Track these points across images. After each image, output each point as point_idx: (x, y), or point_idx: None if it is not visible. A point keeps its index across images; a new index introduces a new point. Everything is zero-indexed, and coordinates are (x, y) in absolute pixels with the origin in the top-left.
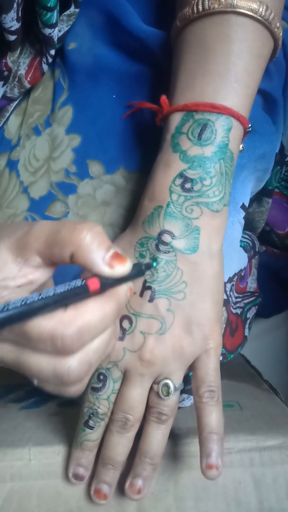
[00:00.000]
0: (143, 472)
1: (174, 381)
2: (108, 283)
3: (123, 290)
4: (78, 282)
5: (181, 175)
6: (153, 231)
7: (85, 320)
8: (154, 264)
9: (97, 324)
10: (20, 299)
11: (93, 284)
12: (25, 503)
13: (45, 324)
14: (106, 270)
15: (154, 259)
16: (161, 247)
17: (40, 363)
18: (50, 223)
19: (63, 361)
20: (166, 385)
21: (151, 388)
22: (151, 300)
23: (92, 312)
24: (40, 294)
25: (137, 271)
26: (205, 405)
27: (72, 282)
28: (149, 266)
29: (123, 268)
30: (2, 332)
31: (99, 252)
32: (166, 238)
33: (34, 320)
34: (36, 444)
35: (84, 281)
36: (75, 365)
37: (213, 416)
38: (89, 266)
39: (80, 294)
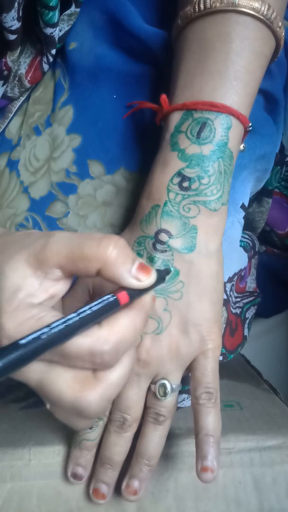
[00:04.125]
0: (140, 473)
1: (171, 382)
2: (134, 294)
3: (148, 299)
4: (110, 298)
5: (179, 173)
6: (150, 230)
7: (120, 336)
8: (172, 269)
9: (130, 337)
10: (60, 319)
11: (123, 298)
12: (25, 503)
13: (84, 342)
14: (134, 283)
15: (173, 268)
16: (158, 246)
17: (63, 390)
18: (69, 235)
19: (85, 393)
20: (163, 385)
21: (149, 388)
22: None
23: (125, 327)
24: (78, 313)
25: (159, 278)
26: (202, 406)
27: (103, 297)
28: (168, 272)
29: (149, 279)
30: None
31: (126, 266)
32: (163, 237)
33: (72, 338)
34: (36, 444)
35: (115, 296)
36: (96, 400)
37: (210, 418)
38: (117, 280)
39: (111, 309)
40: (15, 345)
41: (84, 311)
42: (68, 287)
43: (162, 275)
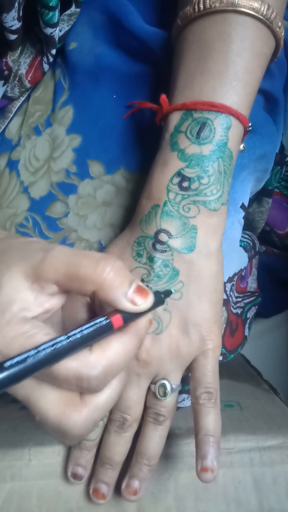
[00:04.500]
0: (140, 473)
1: (171, 382)
2: (129, 317)
3: (144, 323)
4: (103, 321)
5: (178, 173)
6: (150, 230)
7: (110, 361)
8: (173, 291)
9: (120, 362)
10: (49, 342)
11: (117, 321)
12: (25, 503)
13: (71, 366)
14: (129, 306)
15: (170, 290)
16: (158, 246)
17: (48, 410)
18: (68, 251)
19: (69, 415)
20: (163, 385)
21: (149, 388)
22: None
23: (116, 352)
24: (67, 336)
25: (158, 300)
26: (202, 406)
27: (96, 320)
28: (167, 294)
29: (146, 303)
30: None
31: (122, 289)
32: (163, 237)
33: (61, 361)
34: (36, 444)
35: (108, 319)
36: (81, 423)
37: (210, 418)
38: (111, 303)
39: (104, 332)
40: None
41: (75, 334)
42: (63, 302)
43: (161, 298)
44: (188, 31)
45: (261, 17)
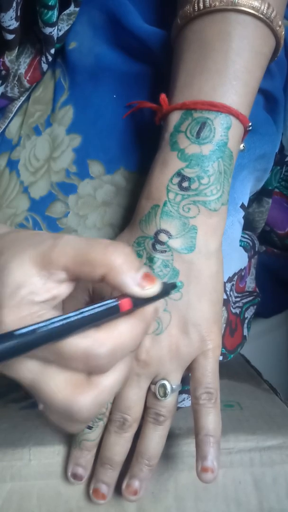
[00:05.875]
0: (140, 473)
1: (171, 382)
2: (137, 303)
3: (151, 310)
4: (112, 302)
5: (178, 173)
6: (150, 230)
7: (118, 341)
8: (179, 283)
9: (128, 344)
10: (61, 316)
11: (125, 304)
12: (25, 503)
13: (80, 342)
14: (137, 291)
15: (180, 283)
16: (158, 246)
17: (55, 392)
18: (77, 239)
19: (77, 397)
20: (163, 385)
21: (149, 389)
22: None
23: (124, 333)
24: (78, 313)
25: (164, 290)
26: (202, 407)
27: (106, 301)
28: (173, 286)
29: (154, 288)
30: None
31: (131, 274)
32: (163, 237)
33: (70, 337)
34: (36, 444)
35: (118, 301)
36: (88, 405)
37: (210, 418)
38: (120, 287)
39: (112, 314)
40: (9, 335)
41: (85, 311)
42: (71, 290)
43: (167, 289)
44: (188, 30)
45: (261, 16)
